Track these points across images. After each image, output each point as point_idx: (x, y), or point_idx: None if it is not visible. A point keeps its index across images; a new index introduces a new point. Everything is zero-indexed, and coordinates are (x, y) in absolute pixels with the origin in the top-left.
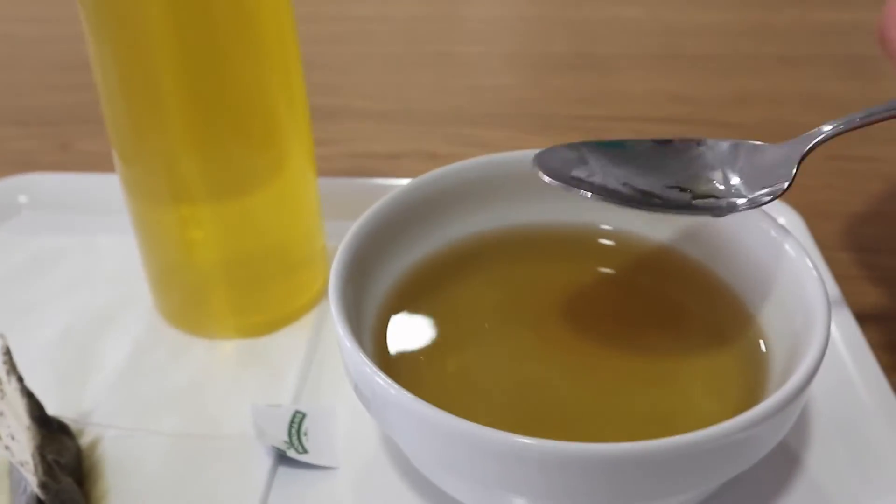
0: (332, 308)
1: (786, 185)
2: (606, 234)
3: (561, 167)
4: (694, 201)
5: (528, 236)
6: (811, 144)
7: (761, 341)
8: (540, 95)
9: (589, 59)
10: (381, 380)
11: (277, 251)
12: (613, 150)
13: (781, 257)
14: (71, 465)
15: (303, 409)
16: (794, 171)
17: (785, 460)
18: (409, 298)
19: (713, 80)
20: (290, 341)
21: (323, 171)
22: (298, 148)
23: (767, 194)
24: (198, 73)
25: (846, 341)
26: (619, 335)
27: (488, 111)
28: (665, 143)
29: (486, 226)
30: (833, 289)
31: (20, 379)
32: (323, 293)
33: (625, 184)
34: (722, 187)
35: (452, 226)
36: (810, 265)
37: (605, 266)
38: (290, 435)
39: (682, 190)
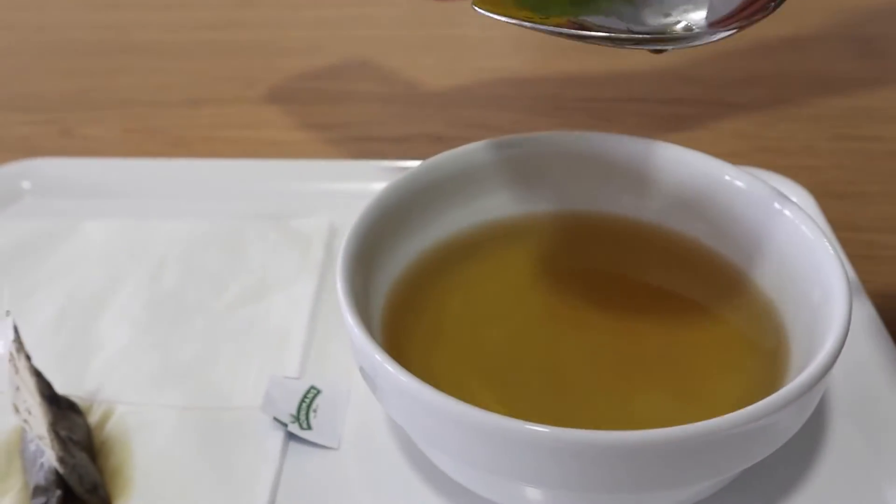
0: (340, 295)
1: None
2: (620, 220)
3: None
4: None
5: (536, 221)
6: None
7: (780, 322)
8: (547, 77)
9: None
10: (392, 368)
11: None
12: None
13: (796, 236)
14: (83, 441)
15: (319, 385)
16: None
17: (799, 446)
18: (417, 284)
19: (721, 60)
20: (293, 311)
21: (330, 154)
22: None
23: (749, 20)
24: None
25: (862, 322)
26: (633, 320)
27: (494, 94)
28: None
29: (492, 211)
30: (847, 269)
31: (28, 357)
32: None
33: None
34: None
35: (459, 210)
36: (827, 244)
37: (618, 251)
38: (299, 409)
39: (648, 21)
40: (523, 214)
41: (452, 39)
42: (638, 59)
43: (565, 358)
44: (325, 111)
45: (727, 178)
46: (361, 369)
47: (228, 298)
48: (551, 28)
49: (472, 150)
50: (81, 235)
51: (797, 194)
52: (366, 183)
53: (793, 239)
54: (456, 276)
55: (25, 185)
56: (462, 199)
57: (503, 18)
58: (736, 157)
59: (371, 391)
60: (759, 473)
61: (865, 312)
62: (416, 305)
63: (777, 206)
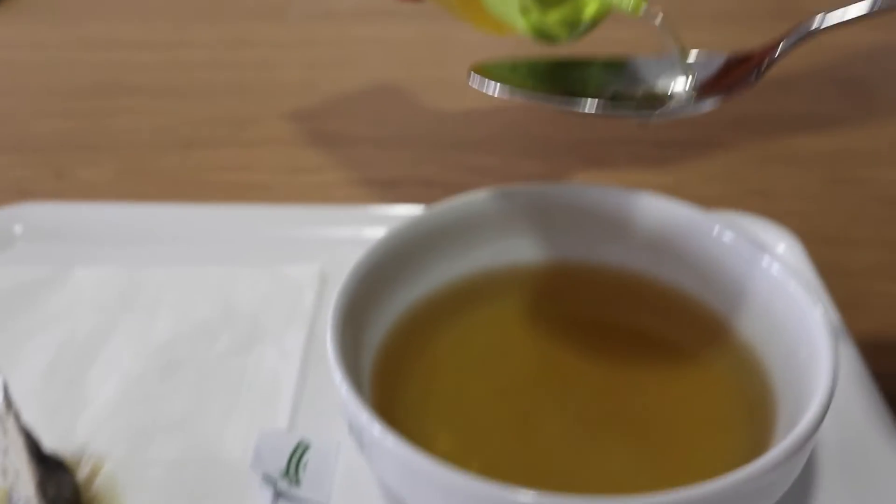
0: (330, 353)
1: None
2: (610, 270)
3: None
4: (648, 102)
5: (526, 272)
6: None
7: (767, 379)
8: (537, 119)
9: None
10: (378, 430)
11: None
12: (551, 64)
13: (784, 293)
14: (71, 500)
15: (308, 439)
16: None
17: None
18: (407, 336)
19: None
20: (284, 362)
21: (322, 198)
22: None
23: (728, 91)
24: None
25: (848, 371)
26: (622, 373)
27: (485, 136)
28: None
29: (482, 262)
30: (834, 317)
31: (17, 416)
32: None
33: (564, 87)
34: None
35: (448, 263)
36: (814, 303)
37: (608, 302)
38: (288, 464)
39: (634, 93)
40: (513, 266)
41: (442, 81)
42: None
43: (553, 416)
44: (316, 154)
45: (715, 232)
46: (349, 427)
47: (219, 349)
48: (542, 98)
49: (462, 204)
50: (73, 283)
51: (786, 241)
52: (357, 228)
53: (780, 296)
54: (445, 328)
55: (17, 229)
56: (450, 252)
57: (499, 92)
58: (726, 200)
59: (359, 450)
60: None
61: (852, 362)
62: (406, 358)
63: (765, 263)
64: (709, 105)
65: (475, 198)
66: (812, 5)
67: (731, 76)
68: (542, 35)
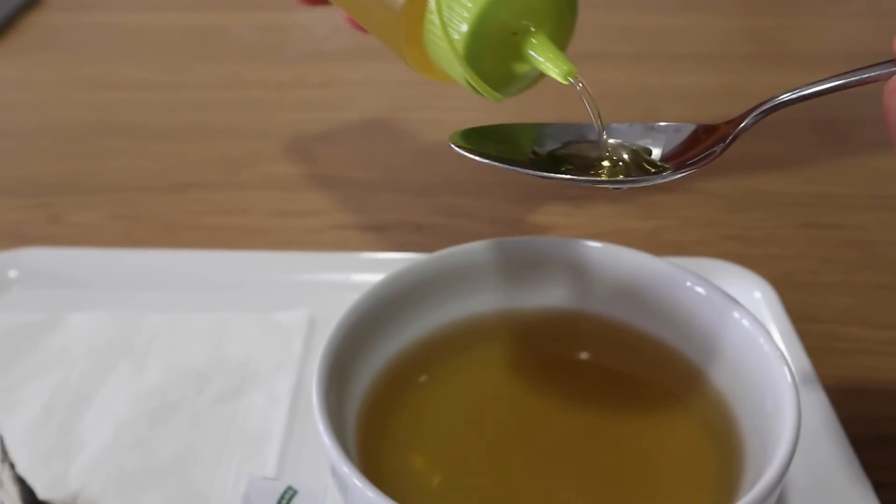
0: (315, 407)
1: (717, 150)
2: (586, 319)
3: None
4: (613, 171)
5: (504, 321)
6: (750, 118)
7: (736, 428)
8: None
9: None
10: (359, 483)
11: None
12: (527, 131)
13: (753, 346)
14: None
15: (295, 485)
16: (728, 140)
17: None
18: (391, 388)
19: None
20: (272, 408)
21: (310, 244)
22: None
23: (694, 162)
24: None
25: (817, 417)
26: (599, 422)
27: (471, 179)
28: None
29: (463, 313)
30: (804, 362)
31: (12, 466)
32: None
33: (536, 153)
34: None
35: (428, 316)
36: (781, 358)
37: (584, 352)
38: None
39: (603, 162)
40: (495, 314)
41: (431, 122)
42: None
43: (533, 464)
44: (307, 197)
45: (689, 283)
46: (333, 476)
47: (210, 395)
48: (520, 169)
49: (445, 256)
50: (67, 329)
51: (760, 288)
52: (346, 274)
53: (750, 349)
54: (429, 376)
55: (12, 274)
56: (434, 303)
57: (477, 158)
58: (704, 245)
59: (342, 499)
60: None
61: (821, 407)
62: (391, 406)
63: (736, 315)
64: (677, 177)
65: (458, 251)
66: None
67: (698, 147)
68: (476, 91)
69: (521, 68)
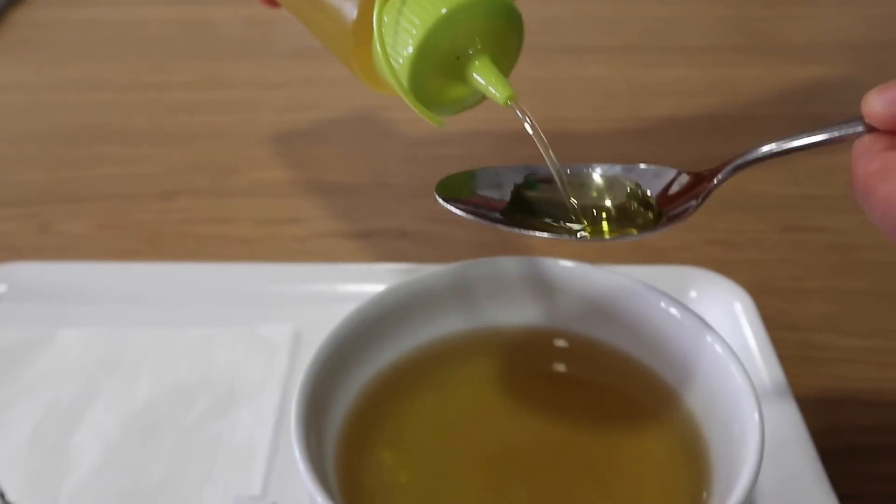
0: (293, 436)
1: (694, 204)
2: (561, 336)
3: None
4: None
5: (485, 339)
6: (726, 171)
7: (705, 449)
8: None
9: (557, 124)
10: None
11: None
12: (511, 175)
13: (723, 370)
14: None
15: (281, 503)
16: (703, 197)
17: None
18: (369, 413)
19: (678, 143)
20: (258, 425)
21: (294, 254)
22: None
23: (673, 220)
24: None
25: (788, 430)
26: (572, 441)
27: None
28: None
29: (443, 331)
30: (778, 374)
31: (2, 495)
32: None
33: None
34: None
35: (407, 337)
36: (748, 386)
37: (558, 368)
38: None
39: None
40: (475, 333)
41: (417, 124)
42: (595, 143)
43: (511, 482)
44: (293, 204)
45: (662, 305)
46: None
47: (196, 412)
48: (503, 227)
49: (423, 279)
50: (57, 345)
51: (738, 297)
52: (331, 285)
53: (721, 373)
54: (407, 398)
55: (1, 289)
56: (414, 323)
57: (462, 214)
58: (685, 250)
59: None
60: None
61: (791, 420)
62: (372, 426)
63: (709, 339)
64: (657, 233)
65: (433, 274)
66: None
67: (676, 197)
68: (420, 108)
69: (463, 91)
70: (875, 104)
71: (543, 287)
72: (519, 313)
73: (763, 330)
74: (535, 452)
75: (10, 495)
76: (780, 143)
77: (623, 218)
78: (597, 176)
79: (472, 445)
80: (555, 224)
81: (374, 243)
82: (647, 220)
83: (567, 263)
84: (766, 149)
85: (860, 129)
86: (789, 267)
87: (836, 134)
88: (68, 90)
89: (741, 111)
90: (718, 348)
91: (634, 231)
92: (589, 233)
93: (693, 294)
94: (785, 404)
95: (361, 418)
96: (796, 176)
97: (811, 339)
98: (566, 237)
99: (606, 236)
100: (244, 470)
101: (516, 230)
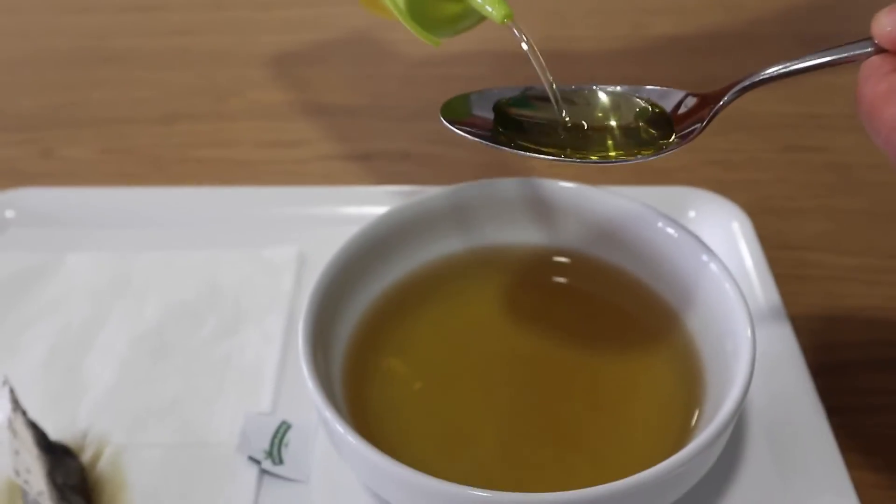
0: (301, 356)
1: (698, 127)
2: (562, 253)
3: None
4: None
5: (485, 258)
6: (730, 94)
7: (700, 365)
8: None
9: (559, 43)
10: (341, 428)
11: None
12: (515, 97)
13: (718, 287)
14: (78, 485)
15: (290, 419)
16: (707, 120)
17: (719, 470)
18: (375, 329)
19: (680, 60)
20: (266, 345)
21: (296, 176)
22: None
23: (680, 138)
24: None
25: (780, 349)
26: (575, 359)
27: None
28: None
29: (444, 251)
30: (772, 291)
31: (24, 413)
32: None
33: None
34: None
35: (411, 257)
36: (743, 303)
37: (559, 284)
38: (272, 444)
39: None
40: (479, 251)
41: (416, 45)
42: (598, 63)
43: (514, 411)
44: (293, 127)
45: (660, 224)
46: (319, 418)
47: (205, 333)
48: (507, 149)
49: (426, 200)
50: (66, 270)
51: (735, 216)
52: (333, 208)
53: (715, 290)
54: (411, 314)
55: (9, 214)
56: (418, 243)
57: (470, 137)
58: (685, 170)
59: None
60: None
61: (783, 336)
62: (377, 345)
63: (704, 258)
64: (659, 156)
65: (437, 194)
66: None
67: (683, 118)
68: (417, 29)
69: (460, 9)
70: (886, 23)
71: (544, 208)
72: (520, 233)
73: (759, 249)
74: (534, 363)
75: (30, 413)
76: (786, 64)
77: (629, 138)
78: (603, 95)
79: (474, 358)
80: (559, 147)
81: (376, 165)
82: (653, 141)
83: (567, 185)
84: (771, 70)
85: (869, 49)
86: (787, 186)
87: (844, 54)
88: (63, 12)
89: (746, 28)
90: (714, 267)
91: (642, 153)
92: (596, 155)
93: (692, 214)
94: (778, 322)
95: (367, 336)
96: (797, 95)
97: (806, 258)
98: (574, 160)
99: (613, 157)
100: (253, 388)
101: (521, 153)
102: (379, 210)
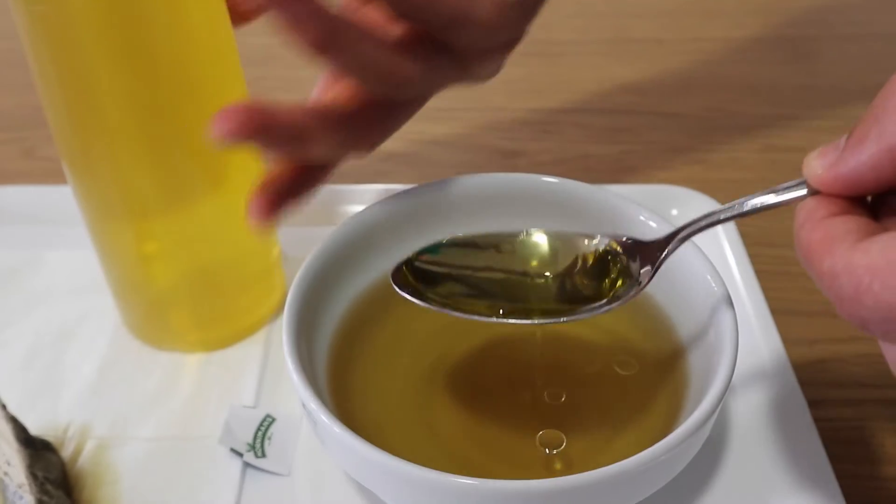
0: (285, 345)
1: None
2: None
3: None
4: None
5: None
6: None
7: (682, 355)
8: (491, 86)
9: (541, 45)
10: (328, 420)
11: (232, 263)
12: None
13: (699, 279)
14: (59, 479)
15: (273, 413)
16: (653, 271)
17: (699, 463)
18: (359, 324)
19: (659, 65)
20: (250, 346)
21: None
22: (243, 158)
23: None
24: (136, 81)
25: (763, 343)
26: (557, 350)
27: (437, 105)
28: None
29: (430, 244)
30: (755, 287)
31: (3, 406)
32: (281, 305)
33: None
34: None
35: (394, 251)
36: (725, 295)
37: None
38: (255, 437)
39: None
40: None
41: None
42: (580, 65)
43: (495, 401)
44: None
45: (642, 218)
46: (304, 410)
47: None
48: (475, 315)
49: (408, 194)
50: (45, 268)
51: None
52: (316, 206)
53: (698, 282)
54: (394, 309)
55: None
56: (396, 240)
57: (423, 304)
58: (667, 170)
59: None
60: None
61: (768, 333)
62: (360, 338)
63: (688, 250)
64: (602, 311)
65: (419, 189)
66: None
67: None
68: None
69: None
70: (816, 167)
71: (526, 202)
72: (502, 227)
73: (742, 245)
74: (519, 353)
75: (10, 407)
76: (726, 209)
77: (573, 290)
78: (542, 240)
79: (459, 349)
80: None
81: (359, 165)
82: (596, 294)
83: (550, 179)
84: (711, 218)
85: (804, 191)
86: (768, 185)
87: (782, 198)
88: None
89: (726, 32)
90: (697, 261)
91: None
92: (544, 313)
93: (674, 212)
94: (761, 316)
95: (351, 329)
96: (775, 97)
97: (787, 255)
98: (523, 321)
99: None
100: (237, 382)
101: (475, 317)
102: (360, 208)
